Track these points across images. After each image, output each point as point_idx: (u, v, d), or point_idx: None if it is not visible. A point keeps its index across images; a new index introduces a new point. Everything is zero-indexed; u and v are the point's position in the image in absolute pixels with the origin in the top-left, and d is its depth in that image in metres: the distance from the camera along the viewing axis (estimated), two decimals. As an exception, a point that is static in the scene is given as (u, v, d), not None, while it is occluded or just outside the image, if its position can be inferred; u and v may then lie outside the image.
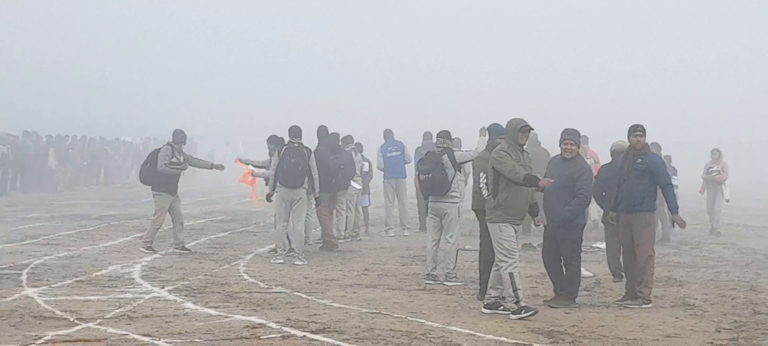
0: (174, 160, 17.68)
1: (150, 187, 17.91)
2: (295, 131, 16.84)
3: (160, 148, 18.01)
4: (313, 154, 16.93)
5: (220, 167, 19.18)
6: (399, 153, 21.92)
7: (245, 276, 14.64)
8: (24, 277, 14.09)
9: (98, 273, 14.65)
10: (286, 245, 16.69)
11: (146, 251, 17.24)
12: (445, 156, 14.28)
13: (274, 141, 17.27)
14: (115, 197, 33.67)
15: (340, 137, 20.03)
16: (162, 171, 17.57)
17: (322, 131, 18.97)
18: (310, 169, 16.72)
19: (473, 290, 13.27)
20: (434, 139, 16.36)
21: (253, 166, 18.25)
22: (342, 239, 19.23)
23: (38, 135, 36.68)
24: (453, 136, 15.24)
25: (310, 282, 14.09)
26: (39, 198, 31.56)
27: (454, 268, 14.26)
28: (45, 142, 36.64)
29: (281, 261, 16.28)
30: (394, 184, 21.88)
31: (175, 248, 17.51)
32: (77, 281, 13.80)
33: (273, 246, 17.59)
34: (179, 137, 17.90)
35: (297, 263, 16.11)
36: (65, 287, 13.31)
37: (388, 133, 22.28)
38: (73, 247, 18.02)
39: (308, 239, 17.97)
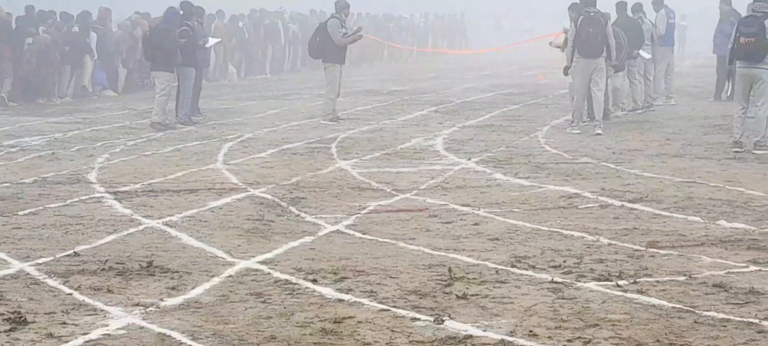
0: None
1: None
2: (589, 0, 16.56)
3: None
4: (609, 23, 16.63)
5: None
6: (673, 21, 21.16)
7: (547, 147, 14.64)
8: (334, 150, 14.60)
9: (403, 146, 14.99)
10: (584, 114, 16.57)
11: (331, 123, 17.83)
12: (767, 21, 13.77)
13: (575, 9, 16.98)
14: (394, 72, 34.17)
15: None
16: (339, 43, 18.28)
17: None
18: (607, 37, 16.45)
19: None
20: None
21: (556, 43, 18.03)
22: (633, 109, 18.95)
23: (323, 12, 37.53)
24: None
25: (613, 152, 13.94)
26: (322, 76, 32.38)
27: (765, 136, 13.78)
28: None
29: (578, 131, 16.17)
30: (670, 53, 21.10)
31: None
32: (385, 154, 14.17)
33: (569, 116, 17.48)
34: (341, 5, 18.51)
35: (597, 132, 15.96)
36: (375, 159, 13.69)
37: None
38: (373, 121, 18.50)
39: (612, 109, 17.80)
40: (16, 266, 7.62)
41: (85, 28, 23.75)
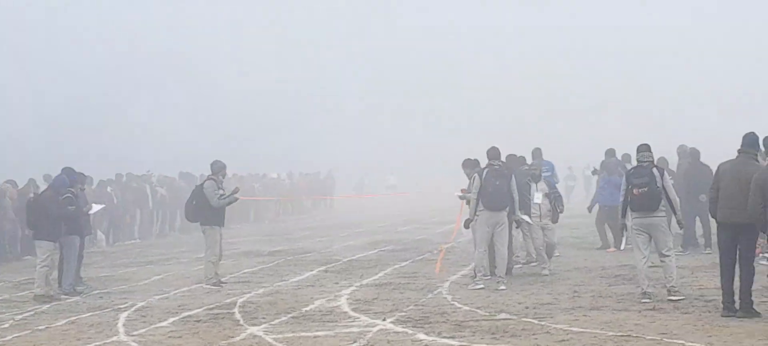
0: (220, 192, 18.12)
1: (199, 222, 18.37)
2: (494, 153, 16.55)
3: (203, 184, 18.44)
4: (513, 177, 16.63)
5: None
6: (550, 173, 21.44)
7: (457, 304, 14.35)
8: (238, 315, 14.03)
9: (307, 308, 14.52)
10: (487, 269, 16.38)
11: (214, 287, 17.41)
12: (655, 169, 13.99)
13: (469, 165, 16.97)
14: (266, 232, 33.68)
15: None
16: (216, 205, 17.94)
17: (509, 157, 18.63)
18: (512, 191, 16.44)
19: (703, 304, 12.81)
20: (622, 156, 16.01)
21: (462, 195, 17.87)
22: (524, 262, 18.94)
23: (193, 175, 37.00)
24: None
25: (526, 307, 13.74)
26: (198, 238, 31.67)
27: (676, 282, 13.83)
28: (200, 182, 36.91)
29: (482, 286, 15.96)
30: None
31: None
32: (293, 317, 13.68)
33: (467, 272, 17.28)
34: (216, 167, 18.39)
35: (501, 288, 15.77)
36: (285, 323, 13.19)
37: (537, 153, 21.77)
38: (265, 283, 17.97)
39: (513, 262, 17.70)
40: None
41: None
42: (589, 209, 23.44)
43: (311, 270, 20.01)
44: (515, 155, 19.16)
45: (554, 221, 18.44)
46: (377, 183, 56.97)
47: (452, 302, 14.53)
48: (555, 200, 18.47)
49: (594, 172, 23.02)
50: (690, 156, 20.83)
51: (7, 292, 18.32)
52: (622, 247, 20.61)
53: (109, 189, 29.66)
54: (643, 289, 14.00)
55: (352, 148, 64.30)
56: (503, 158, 17.05)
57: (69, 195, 17.30)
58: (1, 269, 23.11)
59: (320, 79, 71.92)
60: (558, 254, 20.28)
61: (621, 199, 14.46)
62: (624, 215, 14.44)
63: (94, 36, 61.86)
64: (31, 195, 19.60)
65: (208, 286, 17.64)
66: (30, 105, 55.40)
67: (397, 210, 45.30)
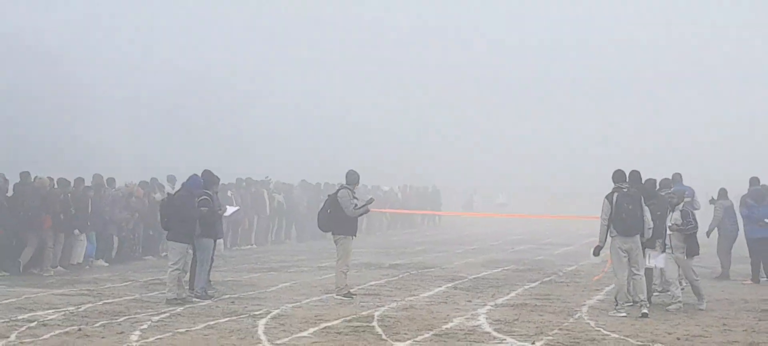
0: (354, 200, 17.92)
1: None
2: (620, 175, 16.08)
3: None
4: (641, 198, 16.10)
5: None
6: (690, 199, 20.72)
7: (603, 330, 13.88)
8: (379, 329, 13.78)
9: (447, 326, 14.20)
10: (628, 296, 15.87)
11: (345, 298, 17.24)
12: None
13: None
14: (380, 245, 33.39)
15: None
16: (351, 215, 17.78)
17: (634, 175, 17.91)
18: (644, 214, 15.92)
19: None
20: None
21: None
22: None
23: (309, 183, 37.00)
24: None
25: (678, 338, 13.26)
26: (314, 246, 31.66)
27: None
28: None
29: (624, 314, 15.45)
30: None
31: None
32: (435, 335, 13.36)
33: (600, 297, 16.80)
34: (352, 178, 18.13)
35: (643, 311, 15.29)
36: (428, 341, 12.89)
37: (677, 177, 21.14)
38: (396, 297, 17.65)
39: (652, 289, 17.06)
40: None
41: (80, 196, 22.84)
42: (708, 235, 22.48)
43: (439, 286, 19.67)
44: (652, 179, 18.45)
45: (688, 254, 16.71)
46: (487, 201, 56.43)
47: (597, 329, 14.07)
48: (688, 232, 16.78)
49: (711, 201, 22.19)
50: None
51: (136, 291, 18.31)
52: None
53: (229, 193, 29.67)
54: None
55: (463, 164, 63.93)
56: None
57: (206, 196, 17.23)
58: (123, 268, 23.18)
59: (436, 99, 71.63)
60: (684, 286, 19.66)
61: None
62: None
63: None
64: (165, 195, 19.60)
65: (340, 296, 17.42)
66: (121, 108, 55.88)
67: (506, 229, 44.76)
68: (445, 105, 71.12)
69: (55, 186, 22.41)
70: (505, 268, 24.10)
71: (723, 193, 21.81)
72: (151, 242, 26.15)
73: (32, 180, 21.88)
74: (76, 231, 22.58)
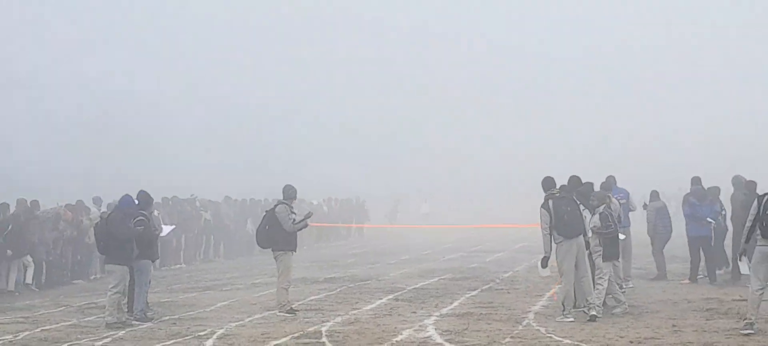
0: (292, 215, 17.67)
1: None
2: (549, 182, 16.20)
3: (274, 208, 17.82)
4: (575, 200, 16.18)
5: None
6: (625, 201, 20.85)
7: (555, 336, 13.85)
8: (329, 345, 13.54)
9: (398, 339, 14.06)
10: (573, 300, 15.85)
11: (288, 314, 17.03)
12: None
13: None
14: (311, 258, 33.11)
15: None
16: (290, 230, 17.55)
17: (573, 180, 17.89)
18: (582, 213, 16.00)
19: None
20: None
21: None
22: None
23: (233, 199, 36.60)
24: None
25: (631, 342, 13.27)
26: (244, 263, 31.30)
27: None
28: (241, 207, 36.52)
29: (572, 319, 15.44)
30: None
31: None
32: (389, 349, 13.18)
33: (544, 302, 16.79)
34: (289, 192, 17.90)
35: (592, 313, 15.33)
36: (383, 355, 12.69)
37: (611, 180, 21.21)
38: (339, 311, 17.44)
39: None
40: None
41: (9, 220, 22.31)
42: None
43: (380, 298, 19.48)
44: (590, 183, 18.39)
45: (605, 258, 16.28)
46: (410, 211, 56.33)
47: (549, 335, 14.03)
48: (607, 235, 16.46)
49: (644, 206, 22.36)
50: (745, 187, 20.32)
51: (73, 316, 17.87)
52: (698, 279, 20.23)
53: (156, 212, 29.13)
54: (749, 320, 13.50)
55: (383, 174, 63.84)
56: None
57: (142, 217, 16.85)
58: (56, 292, 22.69)
59: (346, 103, 71.46)
60: (632, 285, 19.78)
61: (748, 223, 13.90)
62: (747, 240, 13.96)
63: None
64: (98, 218, 19.17)
65: (282, 313, 17.16)
66: (36, 125, 55.00)
67: (433, 239, 44.67)
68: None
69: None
70: (442, 277, 23.99)
71: (655, 195, 22.02)
72: (80, 265, 25.59)
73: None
74: (9, 251, 22.07)
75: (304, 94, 70.13)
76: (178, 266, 30.37)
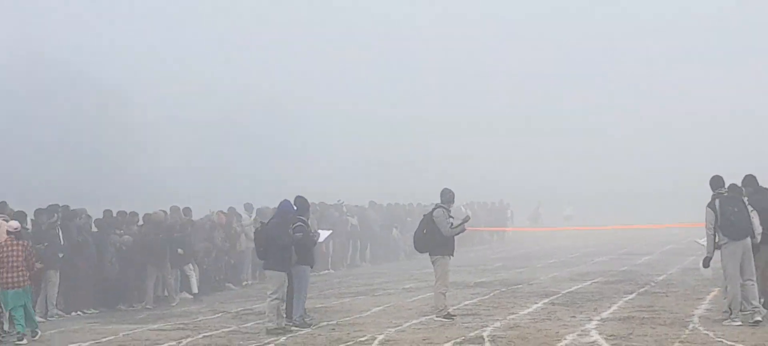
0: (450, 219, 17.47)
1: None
2: (717, 181, 15.69)
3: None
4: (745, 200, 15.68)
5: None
6: None
7: (725, 341, 13.48)
8: (493, 351, 13.43)
9: (561, 344, 13.83)
10: (743, 304, 15.35)
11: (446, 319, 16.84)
12: None
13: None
14: (457, 262, 32.87)
15: None
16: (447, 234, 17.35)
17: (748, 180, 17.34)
18: (751, 216, 15.47)
19: None
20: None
21: None
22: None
23: (378, 205, 36.72)
24: None
25: (808, 345, 12.77)
26: (391, 269, 31.36)
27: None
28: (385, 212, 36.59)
29: (739, 323, 15.00)
30: None
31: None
32: (556, 354, 12.99)
33: (707, 305, 16.37)
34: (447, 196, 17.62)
35: (756, 319, 14.84)
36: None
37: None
38: (496, 316, 17.29)
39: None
40: None
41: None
42: None
43: (535, 303, 19.26)
44: (752, 175, 17.58)
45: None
46: (553, 214, 55.64)
47: (719, 339, 13.66)
48: None
49: None
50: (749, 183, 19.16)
51: (231, 322, 18.10)
52: None
53: (304, 218, 29.41)
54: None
55: (527, 175, 63.45)
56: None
57: (301, 223, 16.98)
58: (209, 299, 23.07)
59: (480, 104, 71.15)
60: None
61: None
62: None
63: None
64: (259, 224, 19.41)
65: (440, 318, 17.08)
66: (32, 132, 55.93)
67: (576, 241, 44.10)
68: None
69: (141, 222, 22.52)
70: (594, 280, 23.64)
71: None
72: (233, 271, 26.00)
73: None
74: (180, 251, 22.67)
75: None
76: (326, 271, 30.53)
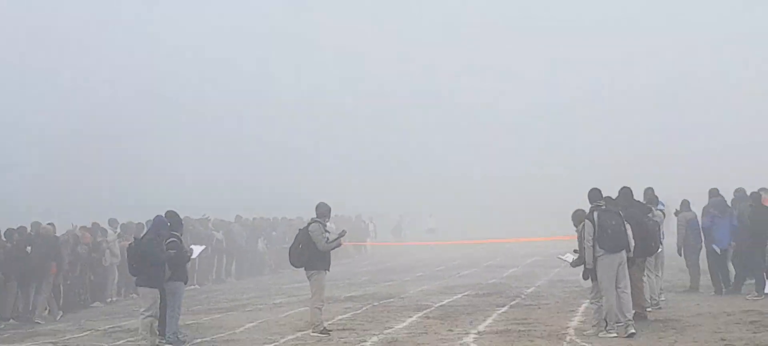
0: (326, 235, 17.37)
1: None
2: (596, 194, 15.92)
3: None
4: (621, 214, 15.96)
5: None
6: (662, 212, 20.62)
7: (604, 353, 13.60)
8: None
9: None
10: (617, 316, 15.57)
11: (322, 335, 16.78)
12: None
13: (577, 217, 16.12)
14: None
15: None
16: (323, 249, 17.28)
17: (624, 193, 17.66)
18: (627, 229, 15.75)
19: None
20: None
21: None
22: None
23: (244, 219, 36.32)
24: None
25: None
26: (257, 283, 31.04)
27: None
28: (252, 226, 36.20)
29: (614, 334, 15.20)
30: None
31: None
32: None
33: (581, 318, 16.57)
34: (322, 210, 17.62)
35: (630, 332, 15.08)
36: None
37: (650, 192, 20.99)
38: (372, 331, 17.18)
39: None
40: None
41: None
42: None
43: (410, 316, 19.22)
44: (628, 188, 17.88)
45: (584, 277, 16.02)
46: (415, 226, 55.97)
47: (597, 352, 13.78)
48: None
49: (676, 213, 22.03)
50: (751, 199, 20.07)
51: (101, 340, 17.61)
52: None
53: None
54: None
55: (386, 191, 63.60)
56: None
57: (174, 239, 16.57)
58: (76, 316, 22.41)
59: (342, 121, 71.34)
60: (664, 299, 19.52)
61: None
62: None
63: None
64: (132, 239, 18.90)
65: (316, 334, 16.88)
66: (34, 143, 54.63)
67: (440, 254, 44.35)
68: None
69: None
70: (464, 293, 23.74)
71: (685, 205, 21.60)
72: (97, 288, 25.32)
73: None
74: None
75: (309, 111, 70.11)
76: (192, 286, 29.95)
